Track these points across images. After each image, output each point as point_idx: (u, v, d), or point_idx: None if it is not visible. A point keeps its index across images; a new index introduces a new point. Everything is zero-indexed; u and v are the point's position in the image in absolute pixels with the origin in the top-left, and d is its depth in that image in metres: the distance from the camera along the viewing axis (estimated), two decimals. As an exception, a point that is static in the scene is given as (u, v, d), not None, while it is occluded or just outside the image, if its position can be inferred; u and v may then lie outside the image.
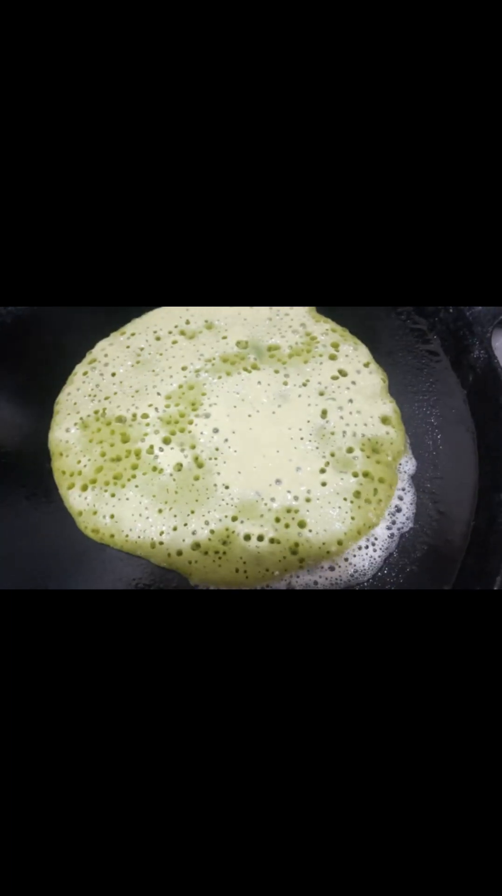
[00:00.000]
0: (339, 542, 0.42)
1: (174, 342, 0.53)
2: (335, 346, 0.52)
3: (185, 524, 0.43)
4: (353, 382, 0.50)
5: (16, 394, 0.53)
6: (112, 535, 0.44)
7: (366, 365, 0.51)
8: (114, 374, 0.52)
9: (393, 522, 0.44)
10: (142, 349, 0.53)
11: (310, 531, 0.43)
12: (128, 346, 0.54)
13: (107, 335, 0.55)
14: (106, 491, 0.45)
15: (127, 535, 0.43)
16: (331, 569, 0.42)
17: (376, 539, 0.43)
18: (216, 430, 0.47)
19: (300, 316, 0.55)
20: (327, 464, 0.45)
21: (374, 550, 0.42)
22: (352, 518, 0.43)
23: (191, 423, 0.48)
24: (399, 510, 0.44)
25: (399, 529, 0.44)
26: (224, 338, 0.53)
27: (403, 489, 0.45)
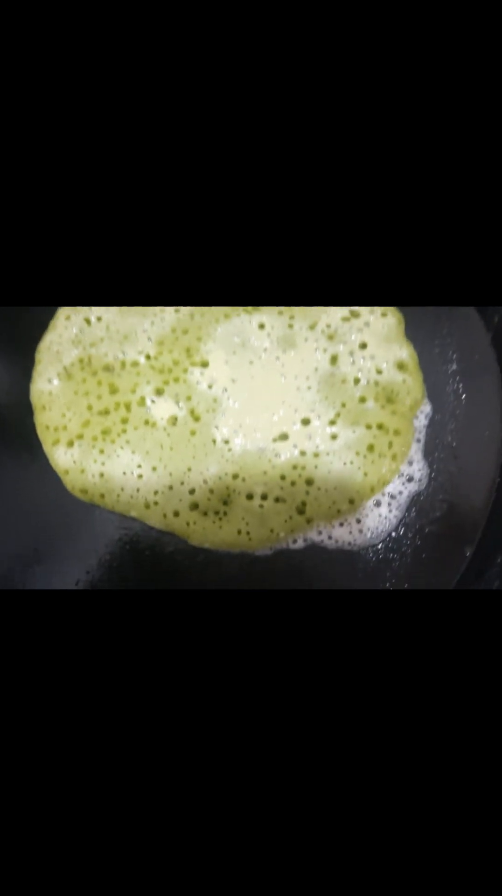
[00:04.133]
0: (351, 501, 0.39)
1: (166, 281, 0.48)
2: (345, 283, 0.47)
3: (182, 483, 0.40)
4: (366, 324, 0.45)
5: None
6: (102, 496, 0.40)
7: (381, 307, 0.46)
8: (99, 319, 0.47)
9: (410, 479, 0.40)
10: (130, 290, 0.48)
11: (319, 488, 0.39)
12: (114, 287, 0.48)
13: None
14: (94, 447, 0.41)
15: (118, 496, 0.40)
16: (342, 527, 0.39)
17: (391, 497, 0.39)
18: (214, 380, 0.43)
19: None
20: (337, 415, 0.41)
21: (389, 510, 0.39)
22: (365, 474, 0.39)
23: (185, 371, 0.43)
24: (414, 464, 0.41)
25: (416, 486, 0.40)
26: (221, 276, 0.48)
27: (420, 441, 0.41)
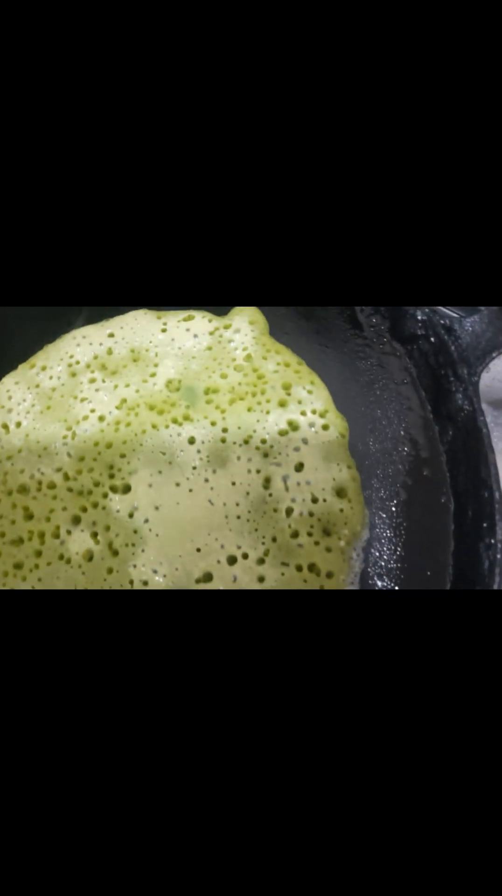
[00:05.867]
0: (276, 656, 0.36)
1: (92, 380, 0.44)
2: (286, 387, 0.43)
3: (95, 631, 0.37)
4: (304, 441, 0.41)
5: None
6: (11, 641, 0.37)
7: (323, 414, 0.42)
8: (18, 425, 0.43)
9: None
10: (53, 389, 0.44)
11: (242, 642, 0.36)
12: (37, 385, 0.44)
13: (13, 365, 0.46)
14: (4, 585, 0.38)
15: (28, 642, 0.37)
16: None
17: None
18: (135, 508, 0.39)
19: (246, 341, 0.44)
20: (267, 552, 0.38)
21: (317, 666, 0.36)
22: (293, 625, 0.36)
23: (105, 496, 0.40)
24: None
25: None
26: (153, 375, 0.43)
27: (352, 583, 0.38)
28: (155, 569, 0.38)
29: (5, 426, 0.43)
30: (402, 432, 0.43)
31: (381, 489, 0.41)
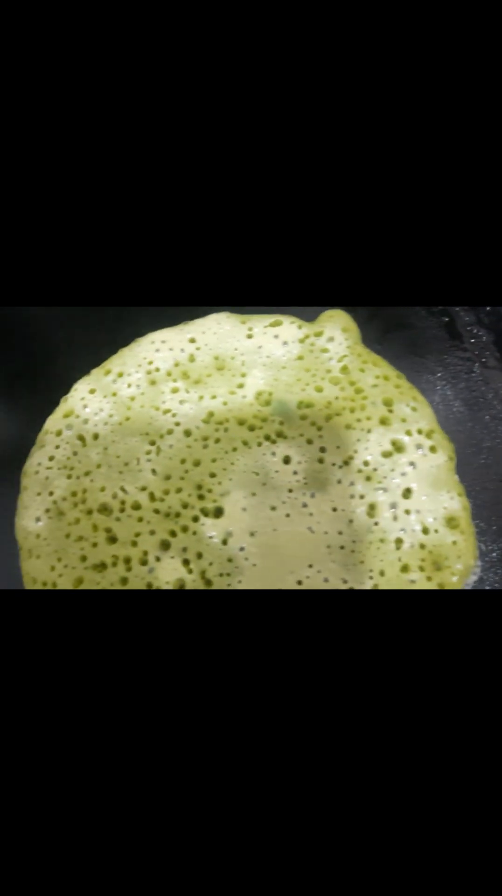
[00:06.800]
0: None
1: (174, 389, 0.40)
2: (388, 403, 0.39)
3: (190, 669, 0.34)
4: (411, 464, 0.37)
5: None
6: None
7: (430, 435, 0.38)
8: (96, 437, 0.40)
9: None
10: (132, 399, 0.40)
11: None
12: (114, 394, 0.41)
13: (85, 370, 0.42)
14: (88, 614, 0.35)
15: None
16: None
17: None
18: (229, 533, 0.36)
19: (341, 350, 0.41)
20: (376, 587, 0.35)
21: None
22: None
23: (196, 519, 0.37)
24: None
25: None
26: (240, 386, 0.40)
27: (473, 625, 0.35)
28: (253, 602, 0.35)
29: (81, 438, 0.40)
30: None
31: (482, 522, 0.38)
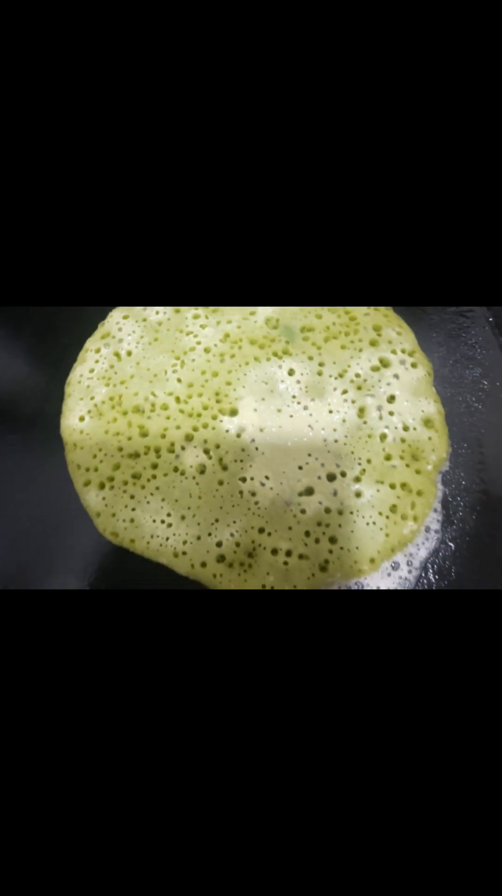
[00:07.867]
0: (372, 561, 0.40)
1: (196, 316, 0.48)
2: (377, 328, 0.47)
3: (210, 534, 0.41)
4: (396, 376, 0.45)
5: (21, 372, 0.48)
6: (132, 541, 0.41)
7: (411, 353, 0.46)
8: (129, 354, 0.47)
9: (427, 538, 0.41)
10: (160, 324, 0.48)
11: (342, 548, 0.40)
12: (144, 319, 0.48)
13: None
14: (125, 491, 0.42)
15: (148, 542, 0.41)
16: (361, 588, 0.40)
17: (411, 557, 0.41)
18: (242, 429, 0.43)
19: (338, 287, 0.48)
20: (363, 471, 0.42)
21: (409, 571, 0.40)
22: (387, 535, 0.41)
23: (214, 417, 0.44)
24: (431, 529, 0.42)
25: (436, 547, 0.41)
26: (252, 313, 0.47)
27: (436, 509, 0.42)
28: (262, 482, 0.42)
29: (117, 354, 0.47)
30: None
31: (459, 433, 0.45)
